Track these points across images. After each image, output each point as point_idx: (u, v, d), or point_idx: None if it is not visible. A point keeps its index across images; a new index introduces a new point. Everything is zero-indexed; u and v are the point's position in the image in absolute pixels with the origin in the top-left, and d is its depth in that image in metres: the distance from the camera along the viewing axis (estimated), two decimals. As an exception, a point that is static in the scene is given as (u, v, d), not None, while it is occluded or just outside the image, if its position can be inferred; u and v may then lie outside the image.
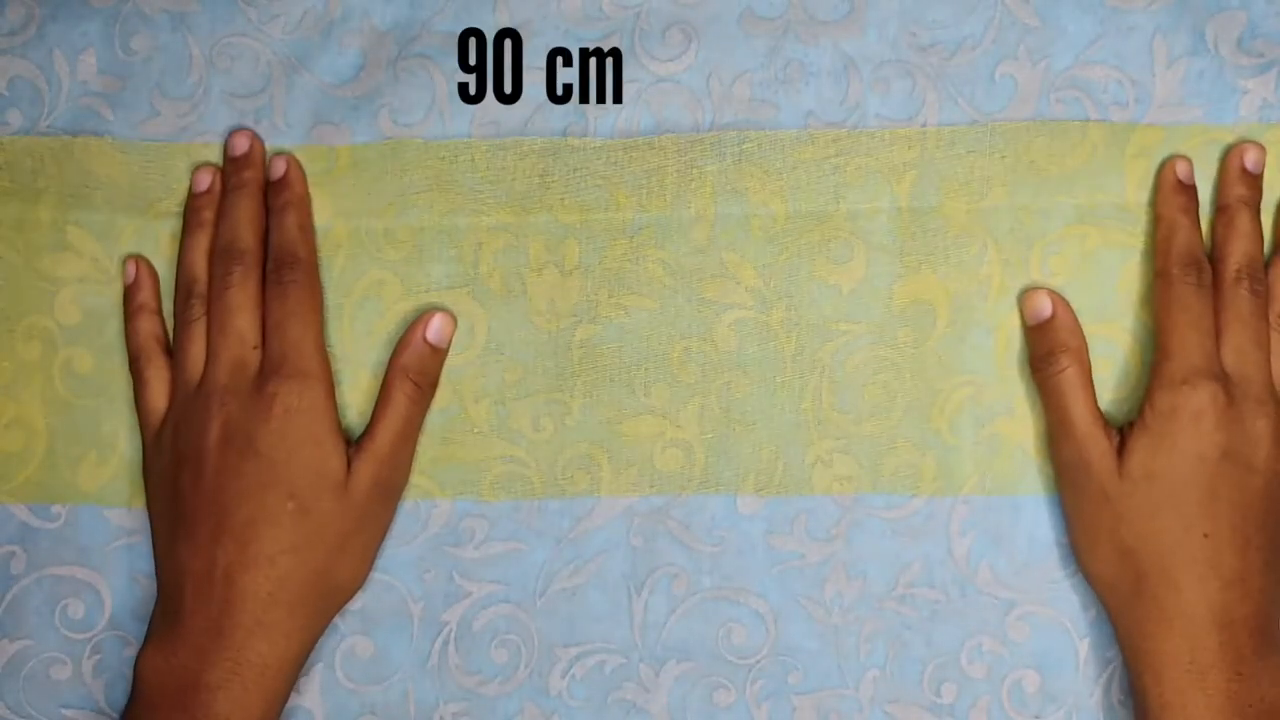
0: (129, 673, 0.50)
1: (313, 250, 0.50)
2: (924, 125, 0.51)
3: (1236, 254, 0.49)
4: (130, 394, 0.51)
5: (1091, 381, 0.49)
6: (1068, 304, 0.50)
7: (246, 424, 0.47)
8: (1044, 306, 0.50)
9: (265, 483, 0.47)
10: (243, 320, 0.49)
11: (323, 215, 0.51)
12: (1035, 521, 0.51)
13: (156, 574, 0.48)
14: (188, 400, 0.49)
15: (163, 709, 0.46)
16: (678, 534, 0.51)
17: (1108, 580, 0.48)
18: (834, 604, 0.51)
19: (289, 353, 0.48)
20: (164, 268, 0.52)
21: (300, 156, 0.51)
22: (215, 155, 0.52)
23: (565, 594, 0.51)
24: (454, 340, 0.51)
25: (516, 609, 0.51)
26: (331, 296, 0.51)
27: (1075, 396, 0.49)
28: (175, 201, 0.52)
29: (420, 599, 0.51)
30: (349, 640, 0.51)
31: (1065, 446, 0.49)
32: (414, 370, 0.50)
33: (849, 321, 0.51)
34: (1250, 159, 0.50)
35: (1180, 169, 0.50)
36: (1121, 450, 0.48)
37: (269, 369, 0.48)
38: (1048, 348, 0.49)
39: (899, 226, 0.51)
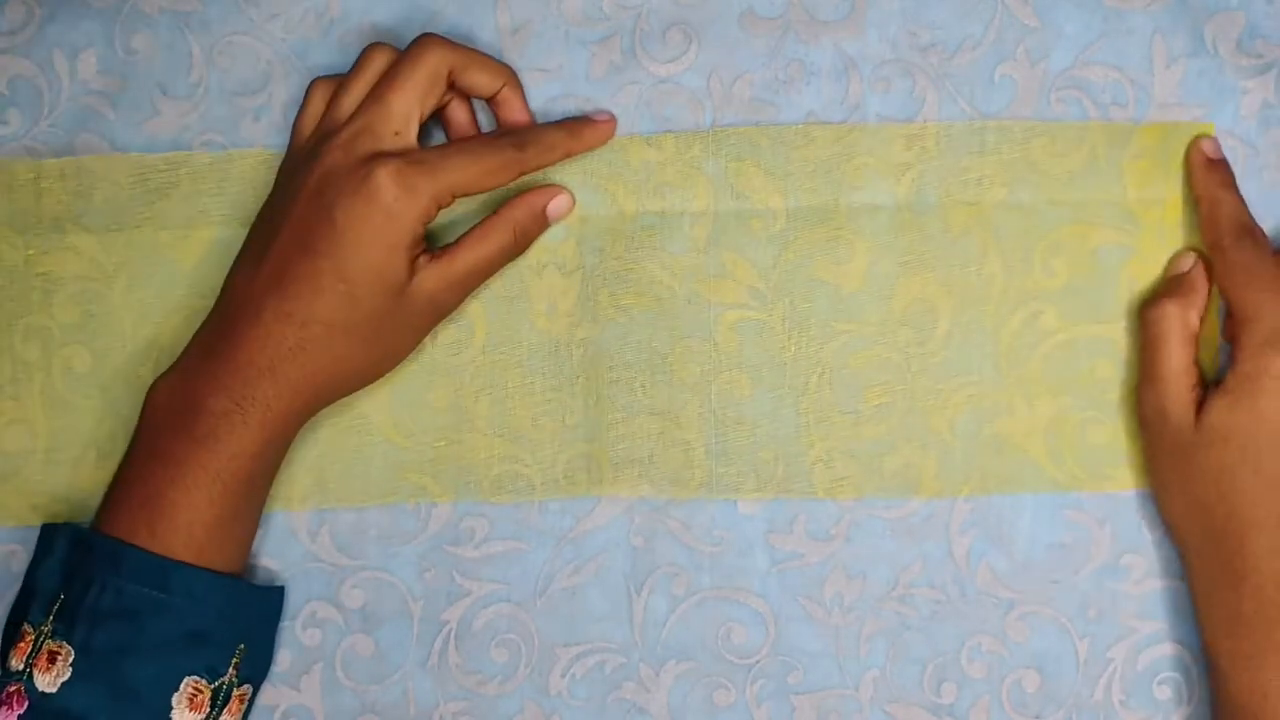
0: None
1: (525, 144, 0.49)
2: (925, 126, 0.51)
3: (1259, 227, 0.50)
4: (130, 394, 0.51)
5: (1194, 339, 0.49)
6: (1208, 270, 0.50)
7: (337, 187, 0.46)
8: (1186, 261, 0.50)
9: (326, 253, 0.46)
10: (403, 103, 0.47)
11: None
12: (1035, 521, 0.51)
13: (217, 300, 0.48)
14: (320, 134, 0.48)
15: (164, 429, 0.46)
16: (678, 534, 0.51)
17: (1181, 531, 0.49)
18: (834, 604, 0.51)
19: (413, 158, 0.47)
20: (164, 267, 0.51)
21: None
22: (208, 161, 0.52)
23: (565, 593, 0.51)
24: (454, 340, 0.51)
25: (517, 608, 0.51)
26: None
27: (1171, 346, 0.49)
28: (175, 201, 0.51)
29: (421, 598, 0.51)
30: (349, 639, 0.51)
31: (1149, 393, 0.49)
32: (519, 225, 0.50)
33: (849, 321, 0.51)
34: (1208, 147, 0.51)
35: (1207, 146, 0.50)
36: (1201, 407, 0.48)
37: (386, 155, 0.47)
38: (1165, 292, 0.50)
39: (899, 226, 0.51)
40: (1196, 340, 0.49)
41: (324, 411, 0.49)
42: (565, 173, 0.51)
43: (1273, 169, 0.51)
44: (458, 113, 0.50)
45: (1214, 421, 0.47)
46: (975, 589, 0.51)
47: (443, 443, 0.51)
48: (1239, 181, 0.50)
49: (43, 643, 0.45)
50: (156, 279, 0.51)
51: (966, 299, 0.51)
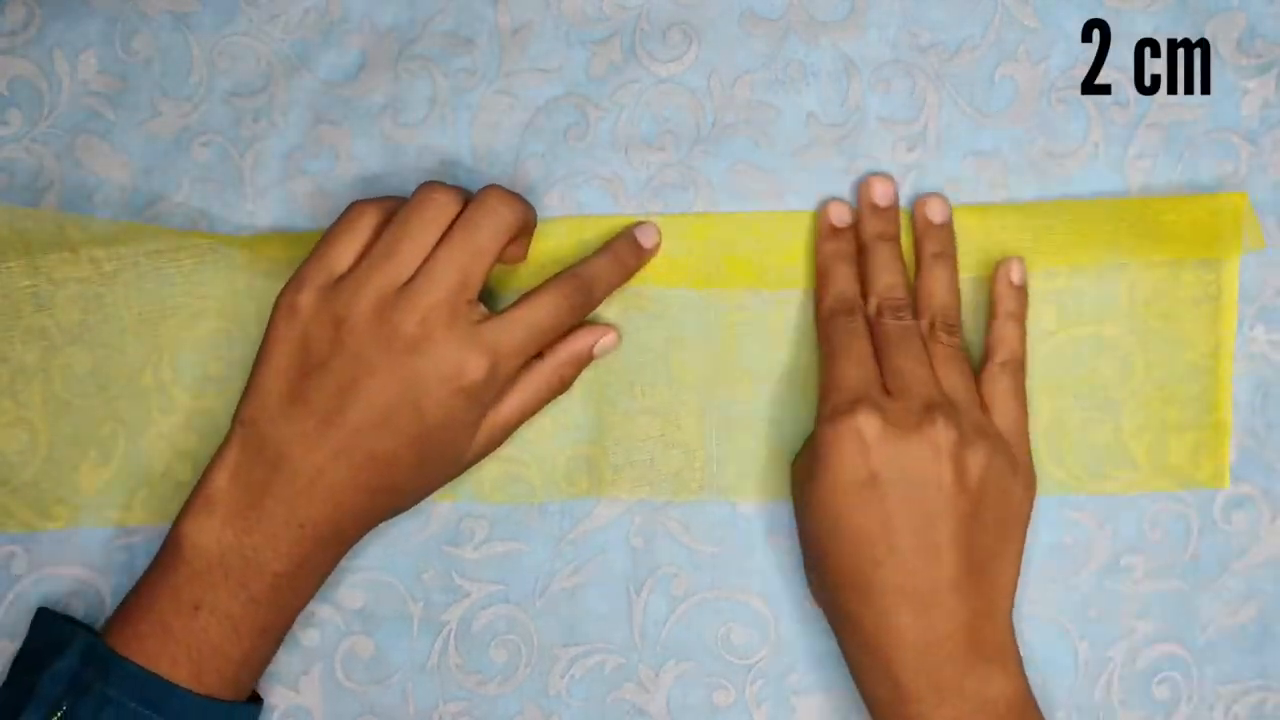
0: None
1: (591, 288, 0.49)
2: (925, 126, 0.51)
3: (878, 288, 0.49)
4: (129, 394, 0.51)
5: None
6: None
7: (417, 369, 0.45)
8: (841, 216, 0.51)
9: (407, 433, 0.45)
10: (478, 270, 0.46)
11: None
12: (1035, 522, 0.51)
13: (241, 438, 0.46)
14: (377, 293, 0.45)
15: (216, 582, 0.44)
16: (678, 534, 0.51)
17: (824, 607, 0.48)
18: (834, 604, 0.51)
19: (493, 331, 0.46)
20: (165, 266, 0.51)
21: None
22: (214, 155, 0.52)
23: (565, 594, 0.51)
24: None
25: (516, 609, 0.51)
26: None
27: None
28: (175, 203, 0.52)
29: (420, 599, 0.51)
30: (349, 640, 0.51)
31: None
32: (565, 374, 0.49)
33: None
34: (877, 193, 0.50)
35: (834, 213, 0.51)
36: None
37: (472, 330, 0.45)
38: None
39: (900, 227, 0.51)
40: None
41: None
42: (565, 173, 0.51)
43: (1274, 168, 0.51)
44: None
45: (803, 496, 0.47)
46: (975, 589, 0.51)
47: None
48: (1240, 182, 0.50)
49: None
50: (156, 279, 0.51)
51: (966, 299, 0.51)
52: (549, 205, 0.51)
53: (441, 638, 0.51)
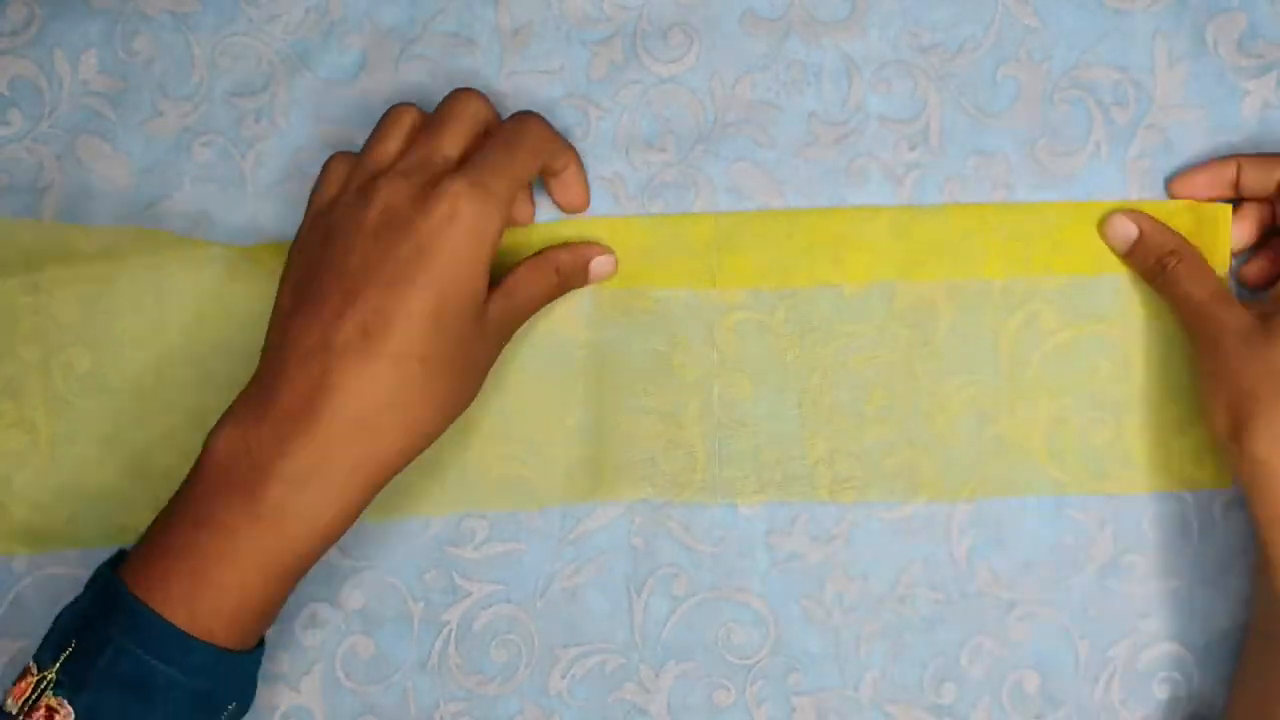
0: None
1: (569, 156, 0.49)
2: (926, 126, 0.51)
3: None
4: (130, 394, 0.51)
5: (1208, 266, 0.49)
6: (1149, 217, 0.50)
7: (410, 212, 0.43)
8: (1128, 230, 0.50)
9: (410, 276, 0.43)
10: (452, 143, 0.45)
11: None
12: (1036, 522, 0.51)
13: (263, 352, 0.45)
14: (360, 181, 0.45)
15: (220, 495, 0.42)
16: (678, 534, 0.51)
17: (1222, 426, 0.47)
18: (834, 604, 0.51)
19: (484, 171, 0.44)
20: (165, 265, 0.51)
21: None
22: (214, 155, 0.52)
23: (565, 594, 0.51)
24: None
25: (517, 609, 0.51)
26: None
27: (1194, 280, 0.48)
28: (176, 202, 0.52)
29: (421, 599, 0.51)
30: (349, 640, 0.51)
31: (1197, 325, 0.48)
32: (563, 270, 0.49)
33: (850, 323, 0.51)
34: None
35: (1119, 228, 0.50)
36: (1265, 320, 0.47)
37: (454, 174, 0.44)
38: (1151, 260, 0.50)
39: (900, 227, 0.51)
40: (1209, 268, 0.49)
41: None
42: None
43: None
44: None
45: (1270, 339, 0.46)
46: (975, 589, 0.51)
47: (444, 444, 0.51)
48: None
49: (44, 692, 0.41)
50: (157, 277, 0.51)
51: (968, 300, 0.51)
52: (549, 206, 0.51)
53: (442, 638, 0.51)
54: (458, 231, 0.43)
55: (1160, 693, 0.51)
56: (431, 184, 0.44)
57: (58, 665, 0.41)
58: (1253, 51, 0.51)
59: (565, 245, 0.50)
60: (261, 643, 0.45)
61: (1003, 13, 0.52)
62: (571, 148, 0.49)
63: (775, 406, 0.51)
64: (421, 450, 0.44)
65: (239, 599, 0.42)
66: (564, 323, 0.51)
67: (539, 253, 0.49)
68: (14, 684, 0.42)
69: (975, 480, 0.51)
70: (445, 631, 0.51)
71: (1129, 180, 0.51)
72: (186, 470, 0.50)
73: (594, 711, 0.51)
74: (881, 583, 0.51)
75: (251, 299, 0.51)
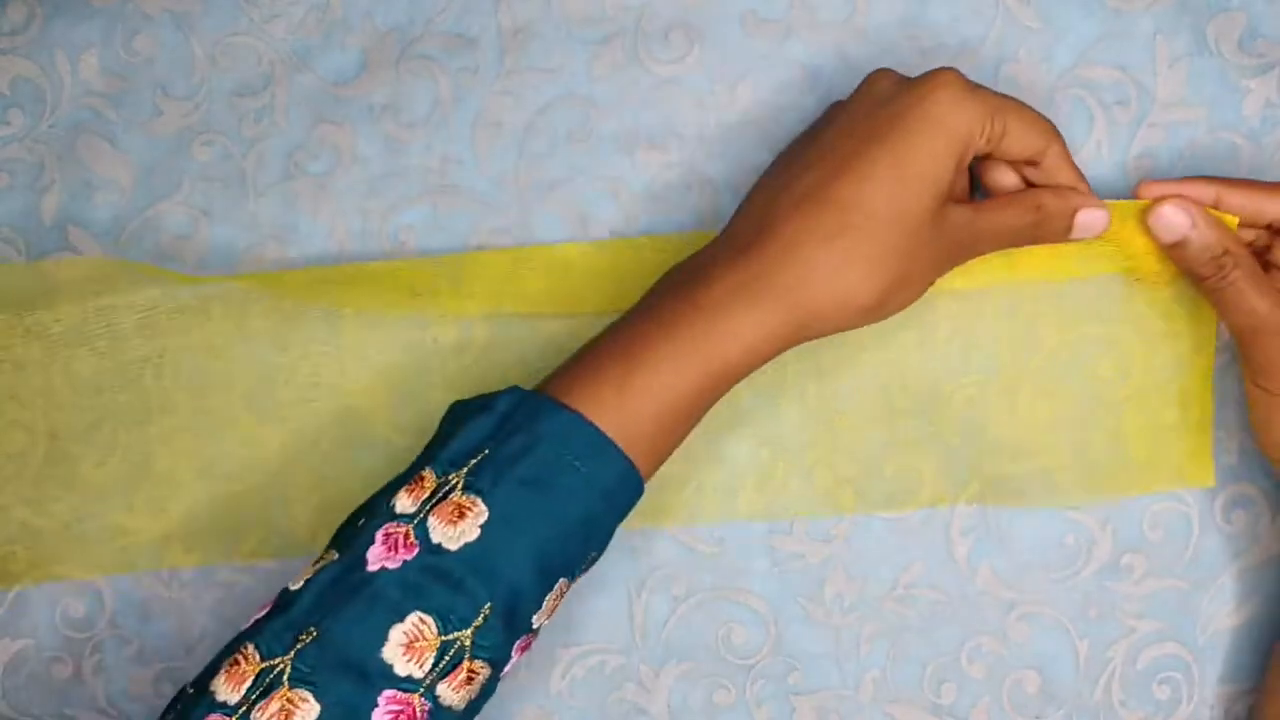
0: (130, 672, 0.50)
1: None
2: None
3: None
4: (130, 393, 0.51)
5: (1265, 275, 0.47)
6: (1203, 210, 0.47)
7: (896, 90, 0.45)
8: (1180, 223, 0.47)
9: (882, 139, 0.44)
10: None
11: None
12: (1036, 522, 0.51)
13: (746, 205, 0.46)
14: None
15: (669, 294, 0.44)
16: (678, 534, 0.51)
17: None
18: (834, 604, 0.51)
19: (981, 86, 0.45)
20: (160, 265, 0.52)
21: None
22: (215, 155, 0.52)
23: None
24: (453, 340, 0.51)
25: (517, 609, 0.51)
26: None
27: (1257, 290, 0.47)
28: (177, 202, 0.52)
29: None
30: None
31: (1259, 341, 0.47)
32: (1045, 211, 0.47)
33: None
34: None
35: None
36: None
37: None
38: (1205, 259, 0.47)
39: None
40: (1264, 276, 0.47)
41: (324, 411, 0.49)
42: (568, 173, 0.51)
43: (1276, 168, 0.51)
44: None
45: None
46: (975, 589, 0.51)
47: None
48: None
49: (448, 493, 0.41)
50: (159, 277, 0.51)
51: (967, 301, 0.51)
52: (551, 206, 0.51)
53: (442, 637, 0.51)
54: (935, 104, 0.44)
55: (1160, 693, 0.51)
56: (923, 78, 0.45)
57: (464, 470, 0.41)
58: (1254, 50, 0.51)
59: (1054, 188, 0.47)
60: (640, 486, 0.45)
61: (1003, 13, 0.51)
62: (1058, 137, 0.47)
63: (774, 408, 0.51)
64: (845, 321, 0.44)
65: (666, 404, 0.43)
66: (562, 322, 0.51)
67: (1026, 190, 0.47)
68: (408, 482, 0.42)
69: (975, 481, 0.51)
70: (446, 631, 0.51)
71: (1130, 180, 0.51)
72: (187, 470, 0.50)
73: (594, 711, 0.51)
74: (881, 583, 0.51)
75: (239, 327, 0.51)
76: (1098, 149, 0.51)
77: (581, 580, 0.51)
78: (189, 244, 0.52)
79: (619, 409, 0.42)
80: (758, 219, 0.45)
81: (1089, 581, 0.51)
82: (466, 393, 0.51)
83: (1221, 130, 0.51)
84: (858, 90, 0.46)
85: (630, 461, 0.42)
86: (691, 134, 0.52)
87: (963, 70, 0.51)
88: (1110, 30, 0.51)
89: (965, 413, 0.51)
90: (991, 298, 0.51)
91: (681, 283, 0.44)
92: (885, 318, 0.45)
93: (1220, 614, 0.51)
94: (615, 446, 0.42)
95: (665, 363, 0.43)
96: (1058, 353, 0.51)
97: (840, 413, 0.51)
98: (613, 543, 0.51)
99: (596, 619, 0.51)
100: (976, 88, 0.45)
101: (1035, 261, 0.50)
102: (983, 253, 0.47)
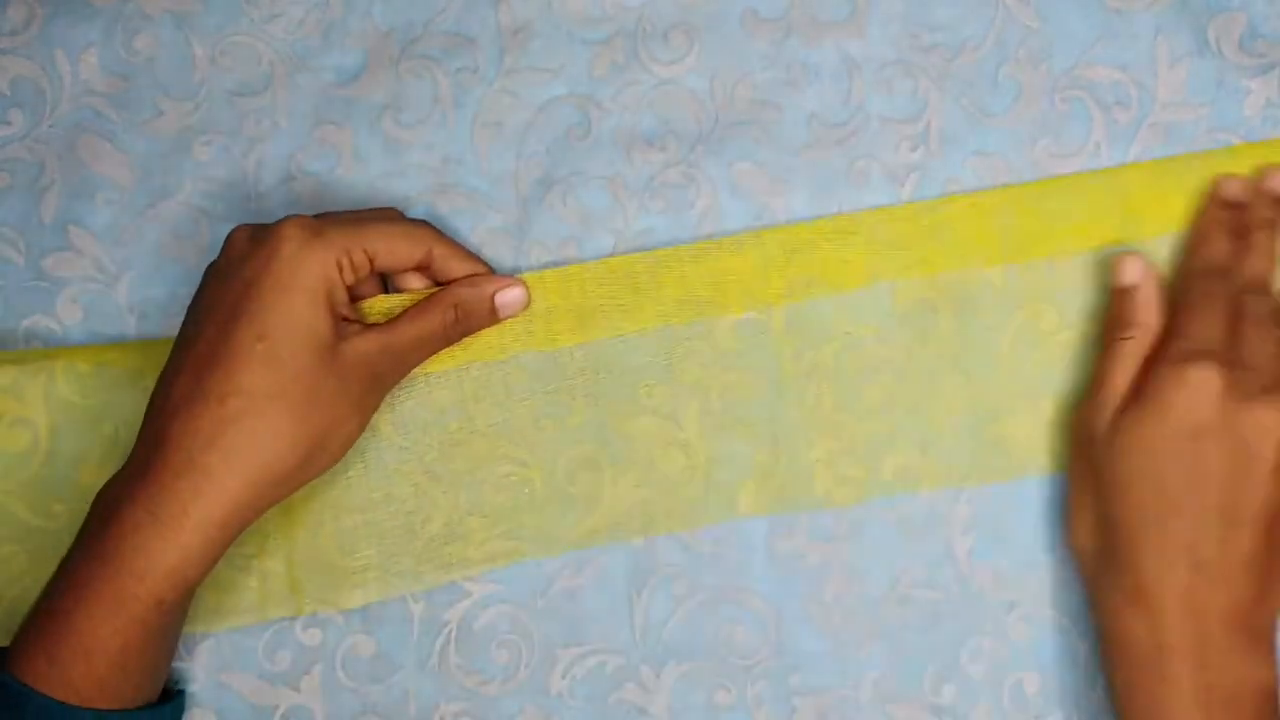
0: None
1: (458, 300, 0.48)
2: (927, 126, 0.51)
3: (1248, 268, 0.49)
4: (130, 393, 0.51)
5: (1144, 361, 0.48)
6: (1156, 278, 0.48)
7: (245, 250, 0.45)
8: (1130, 274, 0.48)
9: (238, 315, 0.43)
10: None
11: None
12: (1037, 522, 0.51)
13: None
14: None
15: (80, 545, 0.43)
16: (678, 534, 0.51)
17: (1084, 550, 0.48)
18: (835, 604, 0.51)
19: (320, 219, 0.45)
20: (168, 265, 0.52)
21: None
22: (216, 155, 0.52)
23: (566, 594, 0.51)
24: (456, 341, 0.51)
25: (517, 609, 0.51)
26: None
27: (1122, 367, 0.47)
28: (178, 202, 0.52)
29: (421, 598, 0.51)
30: (350, 639, 0.51)
31: (1084, 410, 0.48)
32: (463, 308, 0.48)
33: (850, 322, 0.51)
34: (1275, 181, 0.50)
35: (1230, 189, 0.50)
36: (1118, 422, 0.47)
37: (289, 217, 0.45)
38: (1124, 316, 0.48)
39: (900, 225, 0.51)
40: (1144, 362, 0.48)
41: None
42: (566, 173, 0.51)
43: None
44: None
45: (1127, 433, 0.46)
46: (976, 589, 0.51)
47: (447, 444, 0.51)
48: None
49: None
50: (161, 278, 0.51)
51: (969, 298, 0.51)
52: (550, 205, 0.51)
53: (442, 637, 0.51)
54: (281, 263, 0.44)
55: (1161, 693, 0.51)
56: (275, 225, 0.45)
57: None
58: (1254, 50, 0.51)
59: (467, 278, 0.48)
60: (180, 693, 0.47)
61: (1004, 13, 0.51)
62: (437, 236, 0.48)
63: (775, 406, 0.51)
64: (280, 490, 0.44)
65: (109, 657, 0.42)
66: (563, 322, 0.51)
67: (437, 289, 0.48)
68: None
69: (976, 480, 0.51)
70: (446, 632, 0.51)
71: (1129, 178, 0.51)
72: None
73: (594, 712, 0.51)
74: (882, 583, 0.51)
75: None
76: (1097, 149, 0.51)
77: (581, 580, 0.51)
78: (189, 244, 0.52)
79: (68, 672, 0.41)
80: (149, 434, 0.43)
81: (1090, 582, 0.51)
82: (469, 393, 0.51)
83: (1222, 130, 0.51)
84: (221, 252, 0.46)
85: (100, 712, 0.42)
86: (691, 134, 0.52)
87: (963, 70, 0.51)
88: (1110, 30, 0.52)
89: (965, 412, 0.51)
90: (992, 295, 0.51)
91: (91, 526, 0.43)
92: (330, 465, 0.45)
93: (1221, 614, 0.51)
94: (77, 710, 0.41)
95: (87, 622, 0.42)
96: (1059, 352, 0.51)
97: (840, 410, 0.51)
98: (614, 542, 0.51)
99: (596, 619, 0.51)
100: (323, 229, 0.45)
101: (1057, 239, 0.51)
102: (416, 364, 0.48)
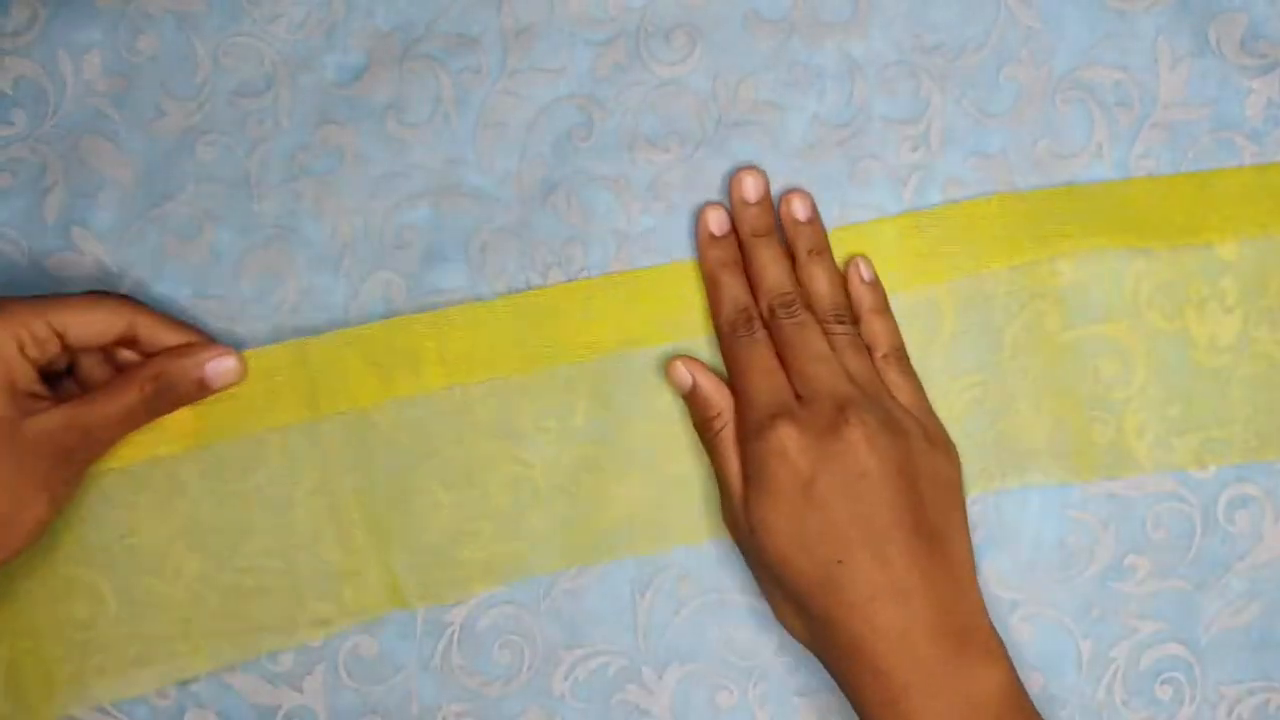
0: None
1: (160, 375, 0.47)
2: (929, 127, 0.51)
3: (765, 287, 0.49)
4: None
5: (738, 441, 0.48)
6: (705, 368, 0.49)
7: None
8: (683, 380, 0.49)
9: None
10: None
11: None
12: (1039, 522, 0.51)
13: None
14: None
15: None
16: (681, 535, 0.51)
17: (801, 635, 0.47)
18: (837, 605, 0.51)
19: (13, 298, 0.45)
20: (163, 266, 0.51)
21: None
22: (218, 155, 0.52)
23: (569, 595, 0.51)
24: (460, 340, 0.51)
25: (520, 610, 0.51)
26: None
27: (726, 458, 0.48)
28: (180, 203, 0.52)
29: (424, 599, 0.51)
30: (352, 640, 0.51)
31: (725, 513, 0.49)
32: (164, 382, 0.47)
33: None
34: (747, 188, 0.50)
35: (712, 220, 0.50)
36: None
37: None
38: (702, 414, 0.49)
39: (903, 226, 0.51)
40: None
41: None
42: (568, 173, 0.51)
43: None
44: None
45: (756, 518, 0.46)
46: (978, 590, 0.51)
47: (450, 444, 0.51)
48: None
49: None
50: (163, 279, 0.51)
51: (972, 298, 0.51)
52: (553, 205, 0.51)
53: (445, 638, 0.51)
54: None
55: (1162, 693, 0.51)
56: None
57: None
58: (1255, 51, 0.51)
59: (179, 348, 0.47)
60: None
61: (1005, 14, 0.52)
62: (138, 308, 0.47)
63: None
64: None
65: None
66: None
67: (138, 364, 0.47)
68: None
69: (978, 479, 0.51)
70: (448, 632, 0.51)
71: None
72: (188, 471, 0.50)
73: (597, 713, 0.51)
74: (884, 583, 0.51)
75: None
76: (1099, 150, 0.51)
77: (584, 582, 0.51)
78: (192, 245, 0.52)
79: None
80: None
81: (1092, 582, 0.51)
82: (473, 392, 0.51)
83: (1223, 131, 0.52)
84: None
85: None
86: (693, 135, 0.52)
87: (964, 71, 0.51)
88: (1112, 31, 0.52)
89: (969, 412, 0.51)
90: (993, 296, 0.51)
91: None
92: (23, 546, 0.45)
93: (1223, 615, 0.51)
94: None
95: None
96: (1062, 353, 0.51)
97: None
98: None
99: (599, 620, 0.51)
100: (1, 305, 0.44)
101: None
102: (113, 440, 0.47)
